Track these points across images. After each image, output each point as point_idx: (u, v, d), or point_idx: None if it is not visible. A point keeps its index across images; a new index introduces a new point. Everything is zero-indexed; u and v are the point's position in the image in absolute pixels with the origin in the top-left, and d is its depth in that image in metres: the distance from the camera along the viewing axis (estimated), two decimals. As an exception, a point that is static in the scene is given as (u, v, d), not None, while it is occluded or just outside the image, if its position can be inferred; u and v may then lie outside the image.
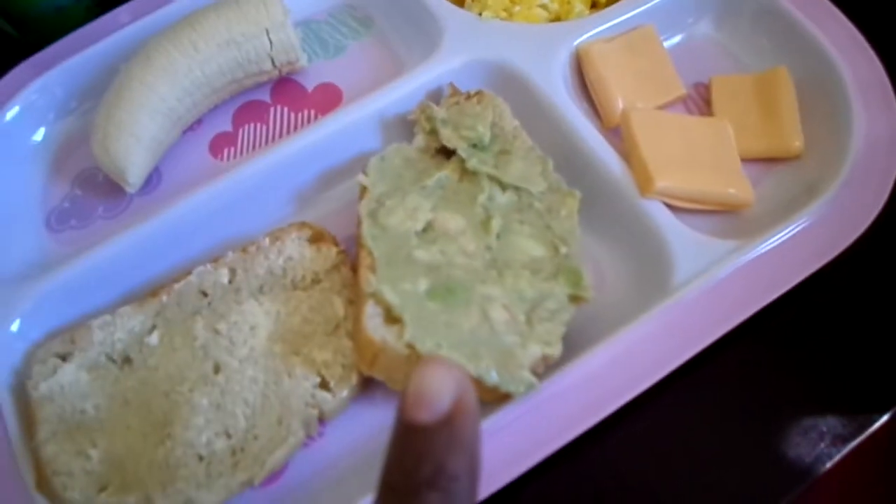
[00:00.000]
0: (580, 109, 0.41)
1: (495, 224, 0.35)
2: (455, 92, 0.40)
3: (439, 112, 0.39)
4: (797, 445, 0.35)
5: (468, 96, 0.40)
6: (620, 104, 0.41)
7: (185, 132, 0.44)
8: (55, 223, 0.42)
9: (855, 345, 0.37)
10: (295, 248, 0.37)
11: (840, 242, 0.36)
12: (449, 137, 0.38)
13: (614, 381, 0.33)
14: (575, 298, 0.34)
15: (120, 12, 0.47)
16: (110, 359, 0.36)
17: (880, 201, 0.37)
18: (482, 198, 0.36)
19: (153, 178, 0.43)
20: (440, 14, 0.43)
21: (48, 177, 0.43)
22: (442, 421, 0.18)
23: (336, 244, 0.37)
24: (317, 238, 0.38)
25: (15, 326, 0.36)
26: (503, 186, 0.37)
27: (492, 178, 0.37)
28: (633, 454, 0.34)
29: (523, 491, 0.32)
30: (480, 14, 0.43)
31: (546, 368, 0.32)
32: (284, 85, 0.45)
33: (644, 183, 0.37)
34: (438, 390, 0.18)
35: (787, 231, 0.36)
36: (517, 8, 0.43)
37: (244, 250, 0.38)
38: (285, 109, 0.45)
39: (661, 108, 0.42)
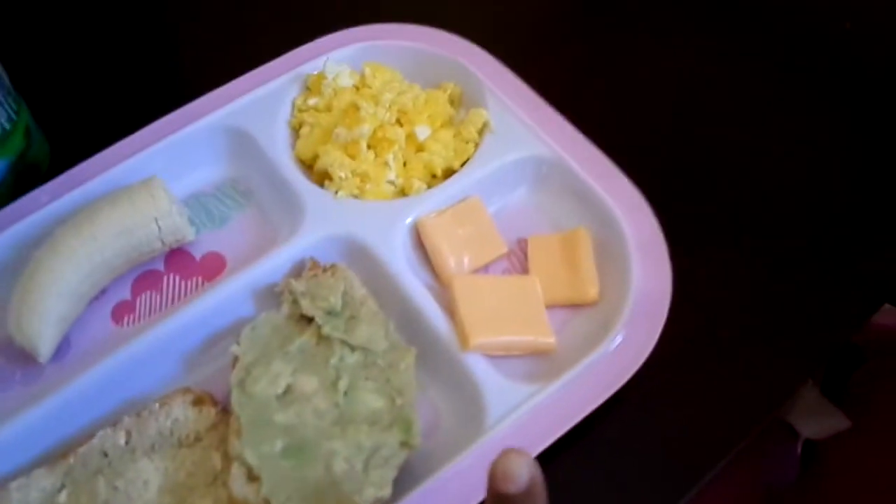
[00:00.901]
0: (422, 272, 0.50)
1: (342, 384, 0.44)
2: (314, 265, 0.49)
3: (299, 286, 0.47)
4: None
5: (324, 269, 0.49)
6: (453, 265, 0.50)
7: (90, 302, 0.51)
8: (-23, 390, 0.48)
9: (638, 459, 0.46)
10: (180, 411, 0.45)
11: (625, 373, 0.45)
12: (307, 307, 0.47)
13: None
14: (406, 444, 0.42)
15: (39, 193, 0.54)
16: (25, 517, 0.43)
17: (652, 341, 0.46)
18: (334, 360, 0.45)
19: (63, 347, 0.50)
20: (302, 193, 0.52)
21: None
22: (525, 491, 0.27)
23: (215, 405, 0.45)
24: (199, 401, 0.45)
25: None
26: (352, 348, 0.45)
27: (342, 342, 0.46)
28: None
29: None
30: (336, 193, 0.52)
31: (381, 507, 0.41)
32: (176, 255, 0.53)
33: (463, 340, 0.45)
34: (519, 469, 0.27)
35: (581, 368, 0.45)
36: (368, 186, 0.52)
37: (138, 414, 0.45)
38: (177, 277, 0.52)
39: (487, 265, 0.51)
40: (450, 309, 0.47)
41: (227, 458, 0.43)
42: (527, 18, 0.70)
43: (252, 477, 0.40)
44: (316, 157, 0.53)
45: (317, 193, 0.52)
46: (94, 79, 0.65)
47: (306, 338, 0.46)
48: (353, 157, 0.52)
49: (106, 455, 0.44)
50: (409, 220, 0.51)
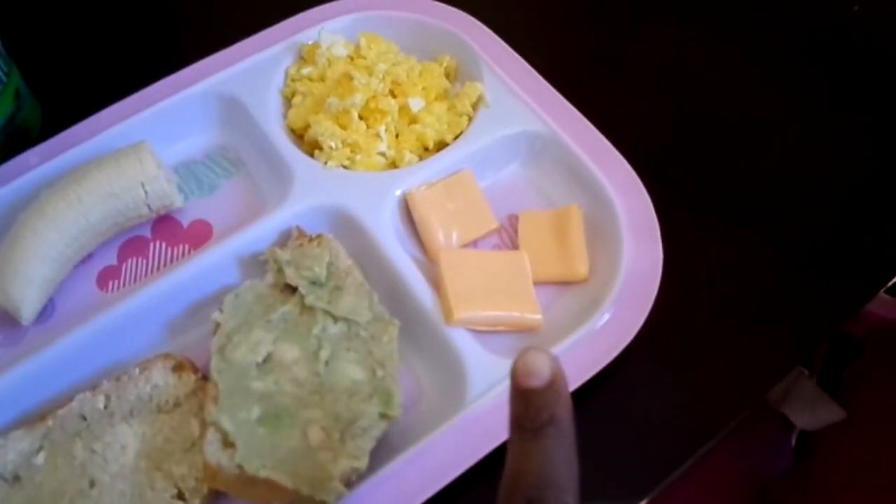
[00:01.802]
0: (410, 245, 0.50)
1: (324, 354, 0.43)
2: (300, 235, 0.48)
3: (283, 255, 0.47)
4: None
5: (310, 239, 0.48)
6: (441, 239, 0.49)
7: (75, 267, 0.51)
8: (-42, 351, 0.48)
9: (623, 440, 0.45)
10: (160, 377, 0.45)
11: (611, 351, 0.45)
12: (292, 276, 0.46)
13: (414, 482, 0.40)
14: (385, 416, 0.42)
15: (29, 155, 0.53)
16: (2, 477, 0.42)
17: (639, 321, 0.45)
18: (316, 330, 0.44)
19: (48, 309, 0.50)
20: (292, 162, 0.51)
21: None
22: (548, 385, 0.27)
23: (195, 371, 0.45)
24: (178, 367, 0.45)
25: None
26: (335, 318, 0.45)
27: (325, 312, 0.45)
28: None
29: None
30: (326, 163, 0.51)
31: (358, 477, 0.40)
32: (164, 221, 0.53)
33: (447, 313, 0.45)
34: (541, 365, 0.27)
35: (567, 345, 0.45)
36: (359, 157, 0.51)
37: (118, 379, 0.45)
38: (163, 244, 0.52)
39: (477, 240, 0.51)
40: (436, 282, 0.47)
41: (205, 425, 0.43)
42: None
43: (227, 443, 0.39)
44: (307, 127, 0.53)
45: (306, 163, 0.51)
46: (88, 44, 0.65)
47: (289, 307, 0.45)
48: (344, 127, 0.52)
49: (84, 419, 0.44)
50: (398, 192, 0.50)
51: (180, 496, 0.41)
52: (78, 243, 0.49)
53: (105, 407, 0.44)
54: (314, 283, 0.46)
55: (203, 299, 0.48)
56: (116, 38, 0.65)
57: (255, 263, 0.49)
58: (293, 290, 0.46)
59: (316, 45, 0.56)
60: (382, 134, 0.52)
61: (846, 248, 0.53)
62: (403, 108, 0.53)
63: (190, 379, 0.44)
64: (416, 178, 0.51)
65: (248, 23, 0.58)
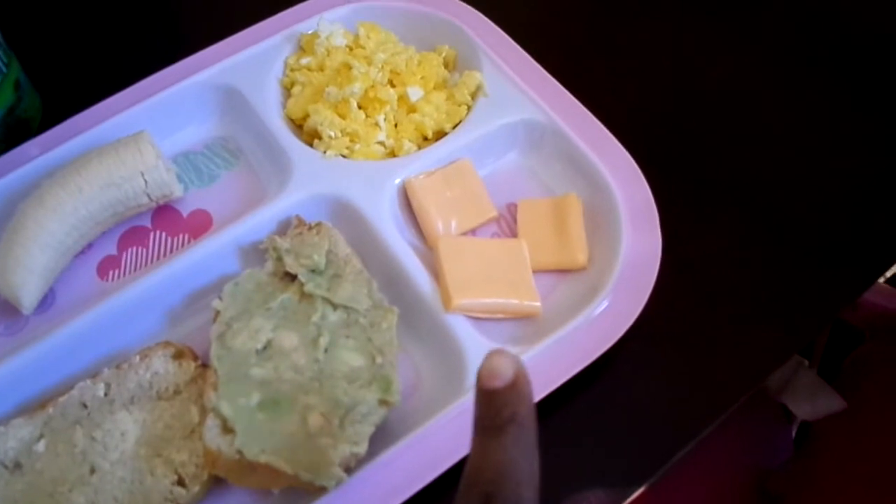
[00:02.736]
0: (409, 234, 0.50)
1: (323, 341, 0.43)
2: (300, 223, 0.49)
3: (283, 243, 0.47)
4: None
5: (309, 227, 0.48)
6: (440, 228, 0.49)
7: (75, 256, 0.51)
8: (-42, 340, 0.48)
9: (621, 427, 0.46)
10: (160, 364, 0.45)
11: (609, 338, 0.45)
12: (291, 264, 0.46)
13: (413, 468, 0.41)
14: (384, 402, 0.42)
15: (30, 146, 0.53)
16: (3, 465, 0.42)
17: (637, 308, 0.46)
18: (315, 317, 0.44)
19: (48, 299, 0.50)
20: (291, 151, 0.51)
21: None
22: (510, 385, 0.28)
23: (195, 359, 0.45)
24: (179, 355, 0.45)
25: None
26: (334, 306, 0.45)
27: (325, 300, 0.45)
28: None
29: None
30: (325, 152, 0.51)
31: (357, 462, 0.40)
32: (164, 211, 0.53)
33: (446, 300, 0.45)
34: (504, 367, 0.28)
35: (565, 332, 0.45)
36: (358, 146, 0.51)
37: (118, 367, 0.45)
38: (163, 234, 0.52)
39: (476, 229, 0.51)
40: (435, 270, 0.47)
41: (205, 412, 0.43)
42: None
43: (227, 429, 0.39)
44: (306, 117, 0.53)
45: (305, 152, 0.51)
46: (88, 35, 0.65)
47: (289, 295, 0.45)
48: (343, 116, 0.52)
49: (85, 406, 0.44)
50: (397, 181, 0.50)
51: (180, 482, 0.41)
52: (78, 233, 0.49)
53: (105, 394, 0.44)
54: (313, 270, 0.46)
55: (203, 288, 0.48)
56: (116, 29, 0.65)
57: (255, 252, 0.49)
58: (293, 278, 0.46)
59: (315, 34, 0.56)
60: (381, 123, 0.52)
61: (844, 236, 0.53)
62: (402, 98, 0.53)
63: (190, 366, 0.45)
64: (416, 166, 0.51)
65: (247, 13, 0.58)
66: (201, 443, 0.42)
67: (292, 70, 0.56)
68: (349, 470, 0.40)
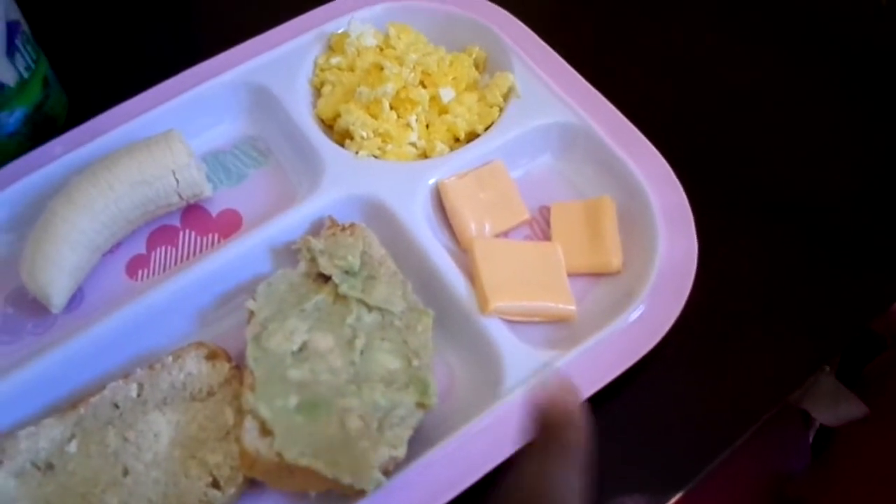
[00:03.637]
0: (442, 235, 0.49)
1: (359, 343, 0.43)
2: (333, 224, 0.48)
3: (317, 244, 0.46)
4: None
5: (343, 228, 0.48)
6: (473, 230, 0.49)
7: (104, 255, 0.50)
8: (-12, 338, 0.48)
9: (658, 432, 0.45)
10: (194, 365, 0.44)
11: (645, 345, 0.45)
12: (325, 265, 0.46)
13: (452, 472, 0.40)
14: (421, 405, 0.41)
15: (54, 145, 0.53)
16: (35, 465, 0.42)
17: (674, 315, 0.45)
18: (350, 319, 0.44)
19: (76, 298, 0.49)
20: (322, 152, 0.51)
21: (-19, 296, 0.49)
22: (564, 412, 0.30)
23: (229, 360, 0.45)
24: (212, 356, 0.45)
25: (-52, 435, 0.42)
26: (369, 308, 0.45)
27: (360, 301, 0.45)
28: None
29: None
30: (357, 153, 0.51)
31: (395, 466, 0.40)
32: (193, 211, 0.53)
33: (483, 303, 0.45)
34: (568, 398, 0.30)
35: (601, 338, 0.44)
36: (390, 146, 0.51)
37: (151, 367, 0.44)
38: (193, 233, 0.52)
39: (509, 231, 0.50)
40: (469, 272, 0.46)
41: (240, 413, 0.42)
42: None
43: (265, 431, 0.39)
44: (337, 117, 0.53)
45: (337, 152, 0.51)
46: (116, 33, 0.64)
47: (323, 296, 0.45)
48: (375, 116, 0.51)
49: (117, 407, 0.43)
50: (430, 182, 0.50)
51: (215, 484, 0.41)
52: (108, 231, 0.49)
53: (138, 395, 0.44)
54: (347, 272, 0.46)
55: (234, 288, 0.48)
56: (144, 27, 0.65)
57: (286, 253, 0.48)
58: (326, 279, 0.46)
59: (345, 34, 0.55)
60: (413, 124, 0.52)
61: (878, 245, 0.52)
62: (434, 99, 0.53)
63: (223, 367, 0.44)
64: (448, 167, 0.51)
65: (275, 12, 0.58)
66: (236, 445, 0.41)
67: (322, 70, 0.55)
68: (387, 473, 0.39)
